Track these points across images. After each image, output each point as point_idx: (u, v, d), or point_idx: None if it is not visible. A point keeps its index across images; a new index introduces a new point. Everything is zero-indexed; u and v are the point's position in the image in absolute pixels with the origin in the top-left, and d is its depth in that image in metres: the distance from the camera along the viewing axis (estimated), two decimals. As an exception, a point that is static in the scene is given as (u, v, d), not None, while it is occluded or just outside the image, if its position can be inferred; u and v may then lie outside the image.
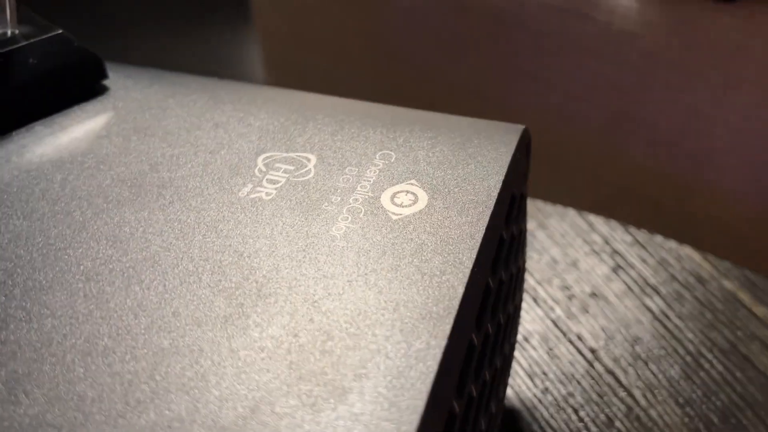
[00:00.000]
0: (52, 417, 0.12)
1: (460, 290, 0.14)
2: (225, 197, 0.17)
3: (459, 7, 0.42)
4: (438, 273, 0.15)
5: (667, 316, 0.30)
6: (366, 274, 0.15)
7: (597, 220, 0.35)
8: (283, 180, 0.18)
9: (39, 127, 0.20)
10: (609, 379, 0.28)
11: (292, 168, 0.18)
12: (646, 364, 0.28)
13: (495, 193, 0.17)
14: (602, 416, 0.26)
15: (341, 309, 0.14)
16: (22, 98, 0.20)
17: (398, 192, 0.17)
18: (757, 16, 0.34)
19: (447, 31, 0.44)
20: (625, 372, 0.28)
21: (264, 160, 0.18)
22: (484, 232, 0.16)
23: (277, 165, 0.18)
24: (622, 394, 0.27)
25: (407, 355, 0.13)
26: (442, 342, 0.13)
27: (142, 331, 0.14)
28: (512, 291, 0.21)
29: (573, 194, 0.41)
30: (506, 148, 0.18)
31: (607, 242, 0.34)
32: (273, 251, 0.16)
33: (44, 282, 0.15)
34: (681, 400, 0.27)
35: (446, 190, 0.17)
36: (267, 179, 0.18)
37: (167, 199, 0.17)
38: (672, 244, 0.34)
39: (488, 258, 0.16)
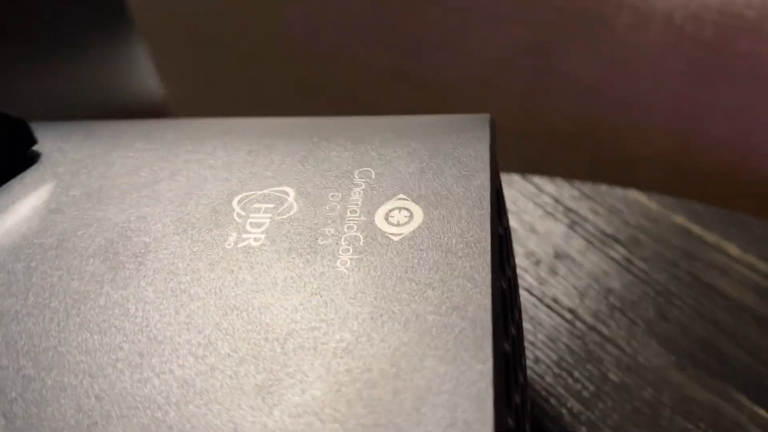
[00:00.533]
0: None
1: (488, 304, 0.14)
2: (212, 253, 0.16)
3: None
4: (459, 290, 0.14)
5: (631, 262, 0.31)
6: (389, 306, 0.14)
7: (543, 182, 0.35)
8: (267, 221, 0.17)
9: None
10: (592, 335, 0.29)
11: (271, 206, 0.17)
12: (623, 312, 0.29)
13: (487, 194, 0.17)
14: (596, 372, 0.27)
15: (375, 351, 0.14)
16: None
17: (391, 210, 0.17)
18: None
19: (355, 15, 0.43)
20: (606, 324, 0.29)
21: (239, 202, 0.17)
22: (489, 236, 0.16)
23: (256, 206, 0.17)
24: (608, 346, 0.28)
25: (458, 385, 0.13)
26: (489, 363, 0.13)
27: (175, 424, 0.13)
28: (515, 285, 0.21)
29: (509, 158, 0.42)
30: (482, 144, 0.18)
31: (557, 201, 0.34)
32: (284, 302, 0.15)
33: (44, 391, 0.14)
34: (662, 340, 0.28)
35: (437, 199, 0.17)
36: (250, 223, 0.17)
37: (150, 268, 0.16)
38: (618, 191, 0.35)
39: (496, 260, 0.16)
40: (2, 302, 0.15)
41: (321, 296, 0.15)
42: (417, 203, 0.17)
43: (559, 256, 0.32)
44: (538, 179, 0.36)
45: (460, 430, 0.12)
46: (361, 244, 0.16)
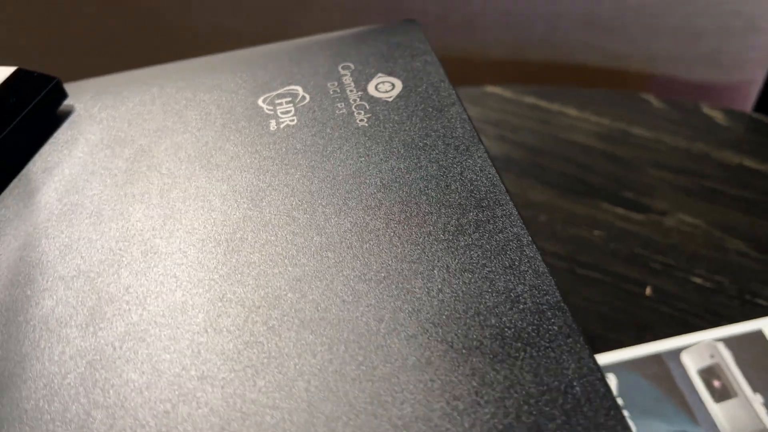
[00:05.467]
0: None
1: (466, 118, 0.21)
2: (263, 137, 0.22)
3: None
4: (445, 119, 0.22)
5: (503, 137, 0.40)
6: (404, 136, 0.21)
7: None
8: (292, 109, 0.23)
9: (34, 169, 0.22)
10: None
11: (289, 99, 0.23)
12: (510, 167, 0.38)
13: (436, 62, 0.24)
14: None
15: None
16: (7, 146, 0.22)
17: (377, 84, 0.23)
18: None
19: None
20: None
21: (264, 101, 0.23)
22: (451, 86, 0.23)
23: (277, 101, 0.23)
24: (507, 196, 0.37)
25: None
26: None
27: None
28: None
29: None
30: (420, 32, 0.25)
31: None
32: (345, 159, 0.21)
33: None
34: (542, 181, 0.37)
35: (405, 71, 0.24)
36: (280, 113, 0.22)
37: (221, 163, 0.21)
38: (475, 89, 0.43)
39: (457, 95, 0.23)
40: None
41: (362, 143, 0.21)
42: (393, 76, 0.23)
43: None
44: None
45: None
46: (368, 107, 0.22)
